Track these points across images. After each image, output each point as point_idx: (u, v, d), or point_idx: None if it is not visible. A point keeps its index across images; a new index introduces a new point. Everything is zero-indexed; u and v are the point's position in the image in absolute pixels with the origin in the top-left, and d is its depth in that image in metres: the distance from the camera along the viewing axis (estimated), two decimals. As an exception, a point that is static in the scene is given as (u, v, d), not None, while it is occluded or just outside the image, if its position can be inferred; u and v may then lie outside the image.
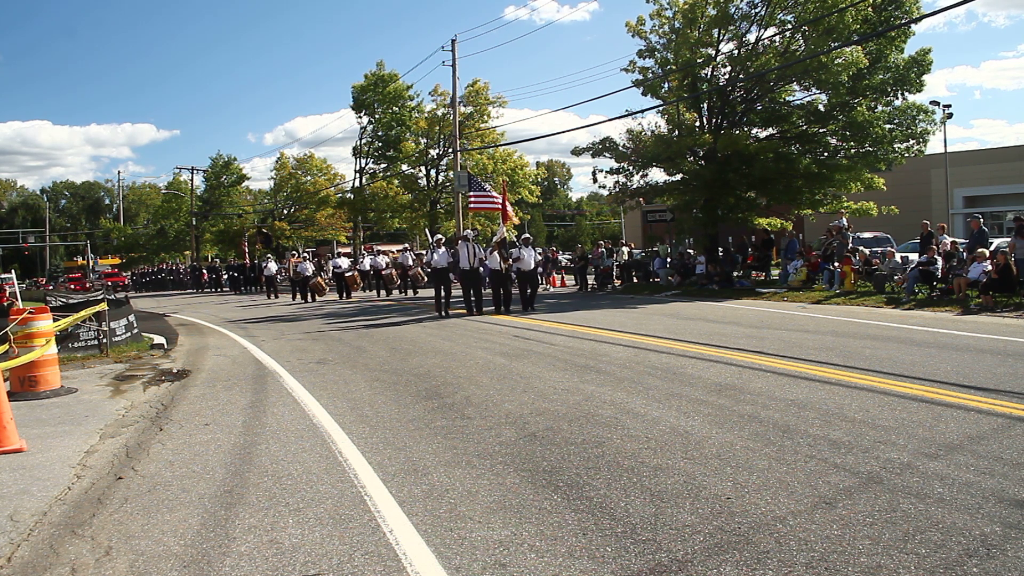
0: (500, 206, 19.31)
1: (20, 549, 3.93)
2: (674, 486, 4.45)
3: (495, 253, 16.54)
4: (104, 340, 11.81)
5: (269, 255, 32.45)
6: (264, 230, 40.60)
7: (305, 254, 29.66)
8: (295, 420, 6.62)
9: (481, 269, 17.29)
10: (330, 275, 27.25)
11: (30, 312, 8.54)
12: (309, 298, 24.57)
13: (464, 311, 16.54)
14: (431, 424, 6.24)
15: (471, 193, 19.72)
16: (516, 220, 18.19)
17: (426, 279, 25.42)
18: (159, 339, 13.36)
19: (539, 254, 18.46)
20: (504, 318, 15.29)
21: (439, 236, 17.48)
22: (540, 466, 4.95)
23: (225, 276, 40.02)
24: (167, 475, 5.12)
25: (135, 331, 13.41)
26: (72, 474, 5.25)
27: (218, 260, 48.34)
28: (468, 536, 3.84)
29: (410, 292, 25.93)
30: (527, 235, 18.60)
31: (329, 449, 5.60)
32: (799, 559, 3.42)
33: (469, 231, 17.62)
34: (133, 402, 7.84)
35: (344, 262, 27.00)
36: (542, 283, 30.27)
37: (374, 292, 26.76)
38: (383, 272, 26.01)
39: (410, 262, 26.08)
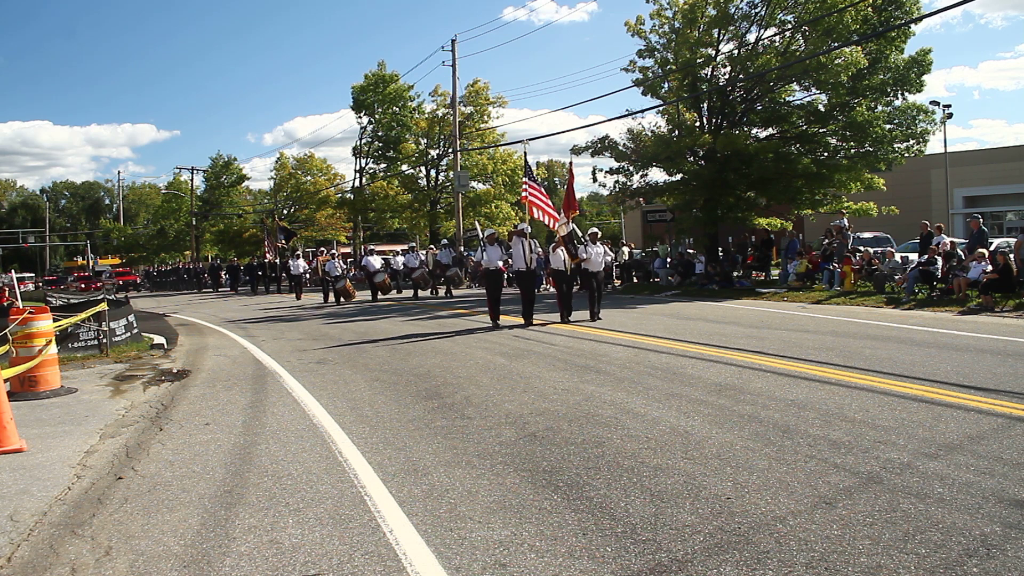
0: (546, 205, 15.58)
1: (20, 549, 3.93)
2: (674, 486, 4.45)
3: (559, 251, 14.15)
4: (104, 340, 11.81)
5: (298, 252, 30.30)
6: (283, 224, 37.72)
7: (334, 251, 26.56)
8: (295, 420, 6.61)
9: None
10: (360, 275, 25.09)
11: (30, 312, 8.54)
12: (337, 300, 22.58)
13: (520, 320, 14.05)
14: (431, 424, 6.24)
15: (526, 181, 15.97)
16: (575, 212, 14.79)
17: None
18: (159, 339, 13.36)
19: (607, 252, 15.33)
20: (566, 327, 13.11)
21: (491, 231, 14.72)
22: (540, 466, 4.95)
23: (243, 275, 37.51)
24: (167, 475, 5.12)
25: (135, 331, 13.40)
26: (72, 474, 5.25)
27: (235, 258, 46.04)
28: (468, 536, 3.84)
29: (424, 292, 24.12)
30: (595, 229, 15.18)
31: (329, 449, 5.60)
32: (799, 559, 3.41)
33: (525, 225, 14.60)
34: (133, 402, 7.84)
35: (376, 261, 24.34)
36: (543, 284, 29.59)
37: (410, 292, 24.99)
38: (415, 273, 23.75)
39: (448, 260, 23.85)
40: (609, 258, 15.67)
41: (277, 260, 32.67)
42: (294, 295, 26.75)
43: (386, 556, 3.64)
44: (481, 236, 14.31)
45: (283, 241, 33.48)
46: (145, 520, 4.26)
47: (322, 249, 33.57)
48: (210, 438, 6.10)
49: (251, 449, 5.70)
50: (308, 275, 27.83)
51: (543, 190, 15.43)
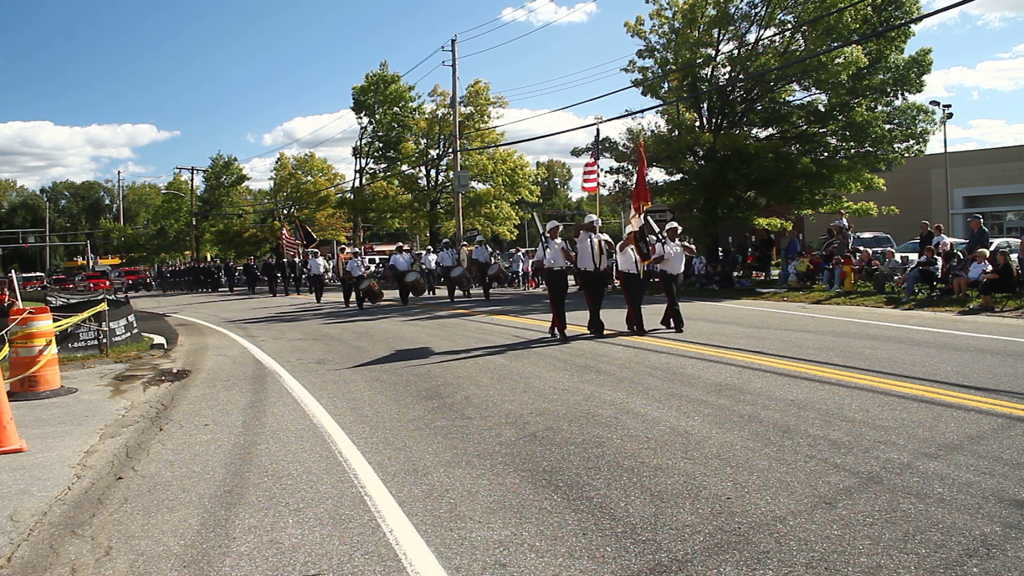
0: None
1: (20, 549, 3.93)
2: (674, 486, 4.45)
3: (628, 248, 11.93)
4: (104, 340, 11.81)
5: (317, 250, 28.24)
6: (300, 221, 34.00)
7: (356, 250, 23.62)
8: (295, 420, 6.61)
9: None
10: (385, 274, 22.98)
11: (30, 312, 8.54)
12: (360, 303, 20.50)
13: (587, 332, 11.73)
14: (431, 424, 6.24)
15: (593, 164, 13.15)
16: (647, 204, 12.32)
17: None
18: (159, 339, 13.35)
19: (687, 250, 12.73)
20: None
21: (554, 223, 12.31)
22: (540, 466, 4.95)
23: (261, 275, 34.88)
24: (167, 475, 5.12)
25: (135, 331, 13.40)
26: (72, 474, 5.25)
27: (253, 257, 43.37)
28: (468, 536, 3.84)
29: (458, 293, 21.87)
30: (674, 224, 12.68)
31: (329, 449, 5.60)
32: (799, 559, 3.41)
33: (594, 217, 12.22)
34: (133, 402, 7.84)
35: (406, 260, 21.84)
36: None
37: (444, 294, 22.83)
38: (453, 272, 21.49)
39: (486, 258, 21.78)
40: (687, 256, 12.91)
41: (297, 259, 30.47)
42: (314, 296, 24.87)
43: (386, 556, 3.64)
44: (542, 230, 12.19)
45: (304, 242, 31.92)
46: (145, 520, 4.26)
47: (343, 246, 31.81)
48: (210, 438, 6.10)
49: (251, 449, 5.70)
50: (329, 275, 25.98)
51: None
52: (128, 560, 3.73)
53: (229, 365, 10.34)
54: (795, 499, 4.15)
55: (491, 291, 21.75)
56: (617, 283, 12.53)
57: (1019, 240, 15.35)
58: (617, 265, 12.14)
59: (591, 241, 11.61)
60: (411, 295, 20.88)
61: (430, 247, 26.28)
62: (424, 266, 22.64)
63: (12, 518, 4.38)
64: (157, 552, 3.81)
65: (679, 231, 12.46)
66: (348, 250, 24.67)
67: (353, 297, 21.01)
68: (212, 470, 5.19)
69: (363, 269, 20.67)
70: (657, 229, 12.09)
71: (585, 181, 13.16)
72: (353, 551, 3.71)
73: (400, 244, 24.46)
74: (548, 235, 12.00)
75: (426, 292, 22.56)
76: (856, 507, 4.00)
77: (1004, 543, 3.50)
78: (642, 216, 11.97)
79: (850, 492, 4.23)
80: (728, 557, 3.47)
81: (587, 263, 11.65)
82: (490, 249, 23.10)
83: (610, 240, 11.98)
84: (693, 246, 13.31)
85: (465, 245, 25.55)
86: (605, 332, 11.65)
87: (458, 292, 21.98)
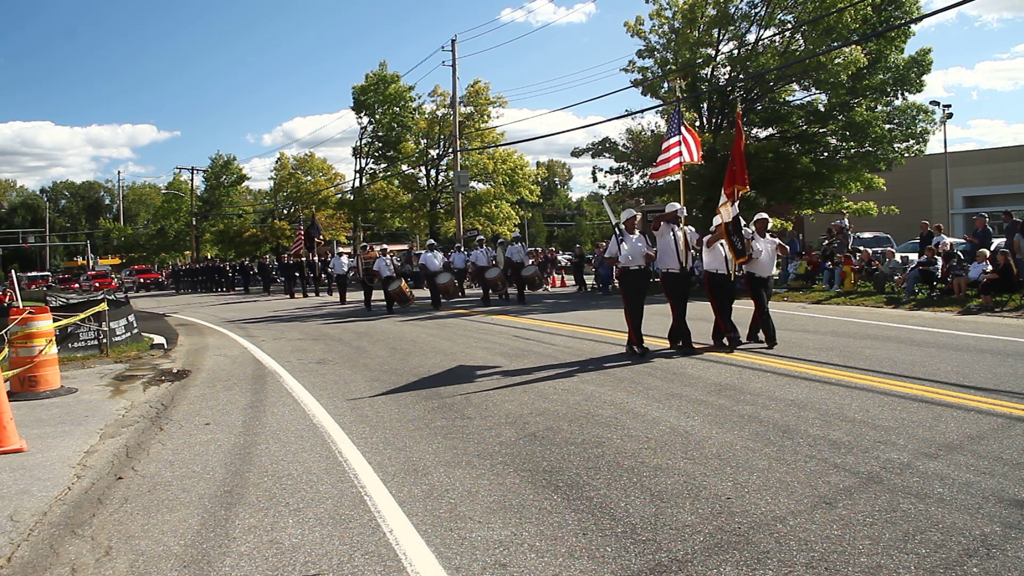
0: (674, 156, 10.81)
1: (20, 549, 3.93)
2: (674, 486, 4.45)
3: (717, 245, 9.99)
4: (104, 340, 11.81)
5: (340, 249, 27.47)
6: (317, 220, 32.51)
7: (384, 247, 21.64)
8: (295, 420, 6.61)
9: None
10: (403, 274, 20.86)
11: (30, 312, 8.53)
12: (389, 305, 18.85)
13: (668, 345, 10.13)
14: (431, 424, 6.24)
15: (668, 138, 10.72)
16: (745, 189, 10.18)
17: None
18: (159, 339, 13.35)
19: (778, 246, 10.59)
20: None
21: (631, 212, 10.18)
22: (540, 466, 4.95)
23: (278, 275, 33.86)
24: (167, 475, 5.12)
25: (135, 331, 13.40)
26: (72, 474, 5.25)
27: (267, 256, 42.00)
28: (468, 536, 3.84)
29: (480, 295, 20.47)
30: (763, 215, 10.49)
31: (329, 449, 5.60)
32: (799, 559, 3.41)
33: (678, 206, 10.03)
34: (133, 402, 7.84)
35: (437, 259, 20.14)
36: (543, 284, 28.77)
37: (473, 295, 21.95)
38: (488, 273, 19.88)
39: (520, 258, 20.27)
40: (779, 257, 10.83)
41: (315, 258, 28.92)
42: (337, 297, 23.78)
43: (386, 556, 3.64)
44: (616, 221, 10.12)
45: (319, 237, 29.69)
46: (145, 520, 4.26)
47: (364, 244, 30.43)
48: (210, 438, 6.10)
49: (251, 449, 5.70)
50: (352, 274, 24.74)
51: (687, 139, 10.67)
52: (128, 560, 3.73)
53: (229, 365, 10.34)
54: (795, 499, 4.15)
55: (519, 293, 20.14)
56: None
57: (1014, 239, 15.20)
58: (702, 264, 9.89)
59: (674, 235, 9.72)
60: (443, 298, 19.45)
61: (459, 245, 25.10)
62: (453, 265, 21.14)
63: (12, 518, 4.38)
64: (157, 552, 3.81)
65: (769, 223, 10.40)
66: (371, 248, 22.66)
67: (380, 299, 19.48)
68: (212, 470, 5.19)
69: (391, 269, 18.97)
70: (743, 223, 10.15)
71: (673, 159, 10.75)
72: (353, 551, 3.71)
73: (431, 243, 22.74)
74: (624, 227, 9.82)
75: (458, 294, 21.07)
76: (856, 507, 4.00)
77: (1004, 543, 3.50)
78: (735, 204, 9.74)
79: (850, 492, 4.23)
80: (728, 557, 3.47)
81: (670, 262, 9.77)
82: (524, 247, 21.67)
83: (694, 247, 10.26)
84: (787, 245, 11.22)
85: (501, 243, 24.44)
86: (695, 345, 9.94)
87: (520, 294, 20.21)
